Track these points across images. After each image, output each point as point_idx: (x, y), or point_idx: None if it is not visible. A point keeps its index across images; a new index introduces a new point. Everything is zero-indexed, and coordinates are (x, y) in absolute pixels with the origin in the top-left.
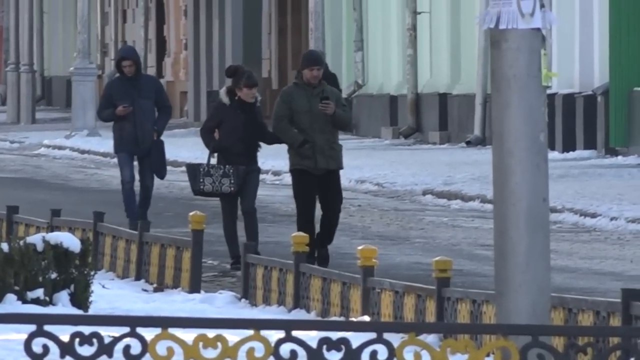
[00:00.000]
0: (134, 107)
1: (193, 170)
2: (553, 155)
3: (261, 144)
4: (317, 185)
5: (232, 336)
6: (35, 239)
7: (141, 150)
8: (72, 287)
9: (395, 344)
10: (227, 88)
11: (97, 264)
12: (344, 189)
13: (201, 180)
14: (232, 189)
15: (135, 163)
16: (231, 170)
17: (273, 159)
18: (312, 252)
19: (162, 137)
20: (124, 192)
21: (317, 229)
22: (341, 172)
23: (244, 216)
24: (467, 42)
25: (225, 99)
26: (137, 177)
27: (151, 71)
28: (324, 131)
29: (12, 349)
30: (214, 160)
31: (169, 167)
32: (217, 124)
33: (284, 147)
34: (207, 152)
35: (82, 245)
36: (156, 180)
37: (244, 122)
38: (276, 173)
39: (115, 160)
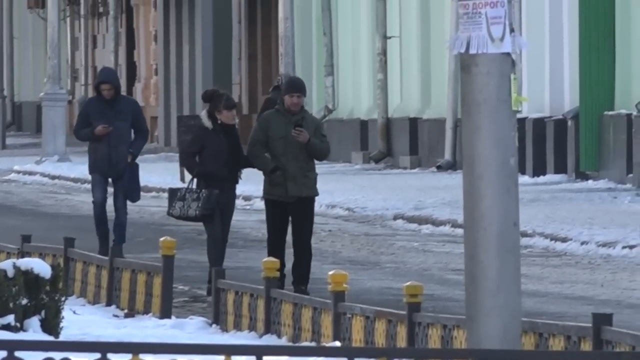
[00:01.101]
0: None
1: (171, 194)
2: (523, 179)
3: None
4: (290, 212)
5: None
6: (6, 264)
7: (115, 172)
8: (42, 313)
9: None
10: (207, 112)
11: (68, 290)
12: (315, 213)
13: (173, 204)
14: (197, 212)
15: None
16: (204, 195)
17: (243, 184)
18: (282, 277)
19: (136, 161)
20: (95, 214)
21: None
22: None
23: None
24: (437, 66)
25: (207, 122)
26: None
27: None
28: (298, 159)
29: None
30: (195, 185)
31: None
32: (199, 149)
33: (254, 172)
34: (177, 177)
35: (52, 271)
36: (129, 205)
37: (228, 146)
38: (247, 198)
39: (86, 185)
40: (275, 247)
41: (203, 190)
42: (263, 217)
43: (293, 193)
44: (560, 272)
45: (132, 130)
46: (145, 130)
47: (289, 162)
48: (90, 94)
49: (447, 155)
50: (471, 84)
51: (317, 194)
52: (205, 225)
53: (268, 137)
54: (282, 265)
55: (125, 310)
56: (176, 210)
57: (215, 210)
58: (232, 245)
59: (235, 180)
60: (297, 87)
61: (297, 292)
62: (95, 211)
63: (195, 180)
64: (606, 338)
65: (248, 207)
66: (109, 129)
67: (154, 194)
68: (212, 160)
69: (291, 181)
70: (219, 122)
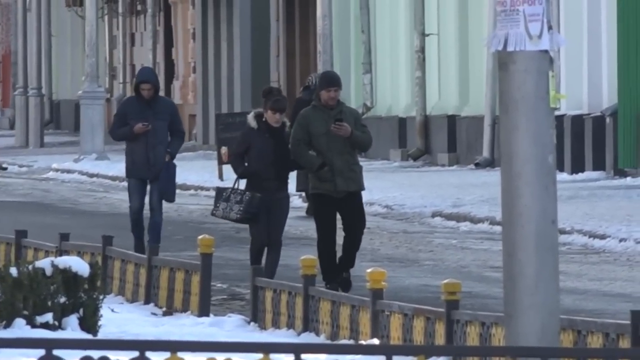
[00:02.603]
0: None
1: (218, 194)
2: (562, 176)
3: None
4: (339, 207)
5: None
6: (44, 263)
7: (153, 173)
8: (81, 311)
9: None
10: (255, 112)
11: (106, 288)
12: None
13: (217, 204)
14: (239, 216)
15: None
16: (247, 198)
17: None
18: (335, 275)
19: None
20: (132, 220)
21: (339, 252)
22: None
23: (267, 247)
24: (475, 64)
25: (252, 123)
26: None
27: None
28: (342, 153)
29: None
30: (242, 186)
31: (177, 191)
32: (246, 149)
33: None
34: (215, 175)
35: (91, 270)
36: (166, 203)
37: (274, 146)
38: None
39: (125, 184)
40: (325, 244)
41: (247, 192)
42: (300, 214)
43: (342, 188)
44: (598, 269)
45: (168, 132)
46: (181, 131)
47: (334, 157)
48: (129, 92)
49: (485, 153)
50: (509, 81)
51: (363, 188)
52: (250, 227)
53: (310, 134)
54: (335, 262)
55: (164, 309)
56: (219, 211)
57: (259, 213)
58: None
59: (284, 181)
60: (333, 81)
61: (341, 279)
62: (132, 219)
63: (239, 180)
64: None
65: None
66: (148, 127)
67: (192, 192)
68: (258, 160)
69: (339, 176)
70: (264, 119)
